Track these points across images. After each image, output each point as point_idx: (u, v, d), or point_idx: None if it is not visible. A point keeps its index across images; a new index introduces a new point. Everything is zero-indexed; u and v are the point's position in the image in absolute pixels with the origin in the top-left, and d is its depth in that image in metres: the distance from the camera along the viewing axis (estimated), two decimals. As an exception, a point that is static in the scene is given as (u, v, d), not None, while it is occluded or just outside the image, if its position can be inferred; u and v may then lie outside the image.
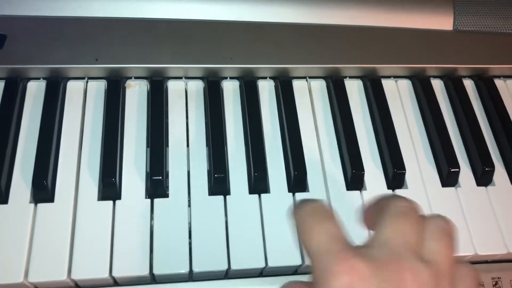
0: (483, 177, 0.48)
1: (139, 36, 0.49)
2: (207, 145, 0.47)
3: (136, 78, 0.49)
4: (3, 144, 0.43)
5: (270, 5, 0.52)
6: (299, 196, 0.45)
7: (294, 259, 0.41)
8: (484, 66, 0.54)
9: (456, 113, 0.52)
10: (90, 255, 0.40)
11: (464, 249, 0.44)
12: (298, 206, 0.37)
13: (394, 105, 0.52)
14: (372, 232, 0.34)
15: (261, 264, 0.41)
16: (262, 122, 0.48)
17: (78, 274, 0.39)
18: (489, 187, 0.48)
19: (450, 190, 0.47)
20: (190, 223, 0.42)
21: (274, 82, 0.52)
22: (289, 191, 0.45)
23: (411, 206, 0.35)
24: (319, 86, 0.52)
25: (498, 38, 0.55)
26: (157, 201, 0.43)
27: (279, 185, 0.45)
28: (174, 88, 0.50)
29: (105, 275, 0.39)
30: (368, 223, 0.39)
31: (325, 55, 0.51)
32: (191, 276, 0.41)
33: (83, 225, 0.41)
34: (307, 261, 0.41)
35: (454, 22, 0.55)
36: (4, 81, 0.47)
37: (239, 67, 0.50)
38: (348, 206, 0.45)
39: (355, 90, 0.52)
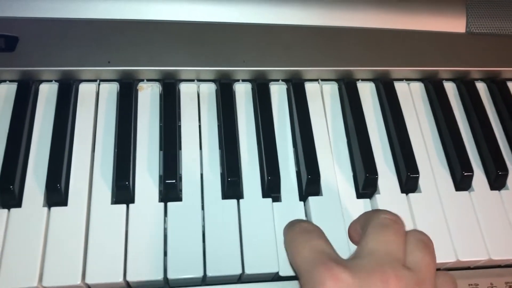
0: (497, 181, 0.48)
1: (151, 38, 0.49)
2: (220, 148, 0.47)
3: (148, 80, 0.49)
4: (16, 147, 0.43)
5: (283, 7, 0.52)
6: (313, 200, 0.44)
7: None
8: (497, 69, 0.54)
9: (469, 116, 0.52)
10: (104, 259, 0.40)
11: (478, 254, 0.44)
12: (287, 226, 0.39)
13: (406, 108, 0.51)
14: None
15: (275, 269, 0.41)
16: (274, 125, 0.48)
17: (92, 279, 0.39)
18: (502, 191, 0.48)
19: (463, 194, 0.47)
20: (203, 227, 0.42)
21: (286, 84, 0.51)
22: (300, 199, 0.45)
23: (394, 219, 0.37)
24: (331, 89, 0.52)
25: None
26: (170, 204, 0.43)
27: (291, 190, 0.45)
28: (187, 90, 0.50)
29: (119, 279, 0.39)
30: (354, 237, 0.40)
31: (337, 57, 0.51)
32: (204, 280, 0.41)
33: (97, 229, 0.41)
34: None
35: (467, 25, 0.55)
36: (16, 83, 0.47)
37: (252, 70, 0.50)
38: (361, 210, 0.45)
39: (367, 93, 0.52)
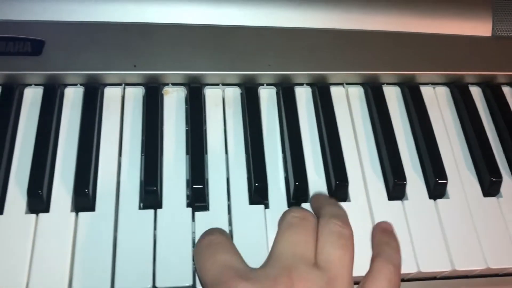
0: (527, 187, 0.47)
1: (177, 42, 0.48)
2: (246, 152, 0.46)
3: (173, 84, 0.49)
4: (43, 151, 0.43)
5: (307, 10, 0.51)
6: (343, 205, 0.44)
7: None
8: (524, 73, 0.53)
9: (496, 121, 0.52)
10: (132, 265, 0.39)
11: (508, 261, 0.44)
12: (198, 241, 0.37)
13: (432, 112, 0.51)
14: None
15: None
16: (301, 130, 0.47)
17: (122, 285, 0.39)
18: (531, 197, 0.47)
19: (491, 200, 0.47)
20: (231, 231, 0.42)
21: (311, 88, 0.51)
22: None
23: (301, 216, 0.36)
24: (357, 93, 0.51)
25: (538, 45, 0.54)
26: (197, 208, 0.43)
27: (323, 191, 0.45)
28: (212, 95, 0.49)
29: (148, 285, 0.39)
30: None
31: (362, 61, 0.51)
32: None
33: (125, 234, 0.41)
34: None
35: (492, 28, 0.54)
36: (42, 87, 0.47)
37: (277, 74, 0.49)
38: (390, 216, 0.44)
39: (393, 97, 0.52)
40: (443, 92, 0.53)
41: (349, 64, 0.50)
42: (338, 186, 0.44)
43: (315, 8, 0.52)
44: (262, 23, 0.51)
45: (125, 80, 0.48)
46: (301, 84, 0.51)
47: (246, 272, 0.33)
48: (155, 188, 0.42)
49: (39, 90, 0.47)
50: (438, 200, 0.46)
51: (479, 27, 0.54)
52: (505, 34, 0.54)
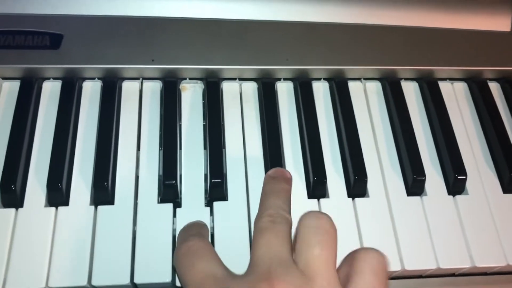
0: (547, 184, 0.47)
1: (195, 36, 0.48)
2: (263, 147, 0.46)
3: (190, 79, 0.49)
4: (62, 145, 0.43)
5: (326, 5, 0.51)
6: (359, 201, 0.44)
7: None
8: (543, 68, 0.53)
9: (515, 116, 0.51)
10: (152, 259, 0.39)
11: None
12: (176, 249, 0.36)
13: (450, 108, 0.50)
14: None
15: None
16: (318, 124, 0.47)
17: (142, 278, 0.39)
18: (551, 194, 0.47)
19: (511, 196, 0.46)
20: (249, 226, 0.42)
21: (329, 83, 0.51)
22: (349, 196, 0.44)
23: (272, 219, 0.34)
24: (375, 88, 0.51)
25: (558, 40, 0.54)
26: (216, 204, 0.43)
27: (338, 189, 0.45)
28: (229, 89, 0.49)
29: (168, 279, 0.39)
30: None
31: (380, 56, 0.50)
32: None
33: (144, 228, 0.41)
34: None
35: (512, 23, 0.54)
36: (60, 81, 0.47)
37: (294, 68, 0.49)
38: (409, 211, 0.44)
39: (411, 92, 0.51)
40: (461, 87, 0.53)
41: (367, 59, 0.50)
42: (357, 182, 0.44)
43: (333, 2, 0.51)
44: (280, 17, 0.50)
45: (143, 74, 0.48)
46: (319, 79, 0.51)
47: (226, 281, 0.32)
48: (174, 182, 0.42)
49: (58, 84, 0.47)
50: (457, 196, 0.45)
51: (498, 22, 0.53)
52: (525, 29, 0.53)
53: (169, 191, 0.42)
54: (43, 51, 0.46)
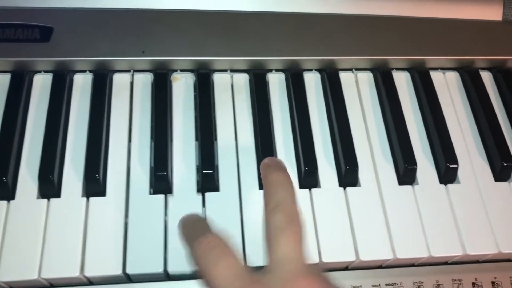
0: (538, 172, 0.47)
1: (185, 28, 0.48)
2: (255, 138, 0.46)
3: (181, 70, 0.49)
4: (53, 137, 0.43)
5: (316, -5, 0.51)
6: (351, 191, 0.44)
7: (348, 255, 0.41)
8: (535, 57, 0.53)
9: (507, 106, 0.51)
10: (144, 250, 0.39)
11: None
12: (194, 241, 0.35)
13: (442, 97, 0.50)
14: None
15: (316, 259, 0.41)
16: (310, 115, 0.47)
17: (133, 269, 0.39)
18: (543, 182, 0.47)
19: (503, 184, 0.46)
20: (241, 217, 0.42)
21: (320, 74, 0.51)
22: (340, 185, 0.44)
23: (294, 213, 0.35)
24: (366, 78, 0.51)
25: (550, 29, 0.54)
26: (208, 195, 0.43)
27: (330, 179, 0.45)
28: (220, 81, 0.49)
29: (160, 269, 0.39)
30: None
31: (372, 46, 0.50)
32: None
33: (136, 219, 0.41)
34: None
35: (503, 12, 0.53)
36: (51, 74, 0.47)
37: (286, 59, 0.49)
38: (400, 200, 0.44)
39: (403, 82, 0.51)
40: (453, 77, 0.53)
41: (358, 49, 0.50)
42: (348, 171, 0.44)
43: (324, -7, 0.51)
44: (272, 8, 0.50)
45: (134, 66, 0.48)
46: (310, 70, 0.51)
47: (256, 278, 0.33)
48: (165, 173, 0.42)
49: (49, 77, 0.47)
50: (449, 185, 0.46)
51: (490, 11, 0.53)
52: (516, 18, 0.53)
53: (161, 183, 0.42)
54: (33, 44, 0.46)
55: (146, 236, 0.40)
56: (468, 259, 0.44)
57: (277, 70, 0.50)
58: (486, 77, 0.53)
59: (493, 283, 0.43)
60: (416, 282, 0.42)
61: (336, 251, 0.41)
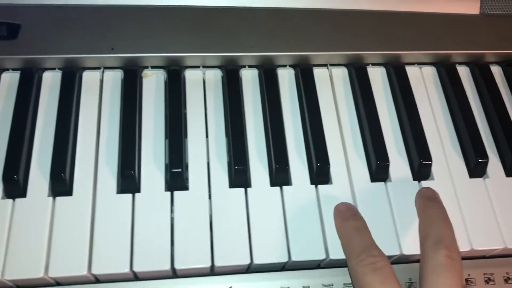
0: (513, 167, 0.46)
1: (156, 24, 0.48)
2: (227, 136, 0.45)
3: (152, 67, 0.48)
4: (19, 136, 0.42)
5: (290, -10, 0.50)
6: (322, 188, 0.43)
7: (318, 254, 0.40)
8: (513, 51, 0.52)
9: (484, 101, 0.51)
10: (110, 250, 0.39)
11: (493, 243, 0.43)
12: (356, 256, 0.37)
13: (418, 93, 0.50)
14: None
15: (285, 259, 0.40)
16: (282, 112, 0.47)
17: (99, 269, 0.38)
18: (519, 178, 0.46)
19: (478, 181, 0.46)
20: (210, 216, 0.42)
21: (294, 70, 0.50)
22: (312, 183, 0.44)
23: (453, 256, 0.36)
24: (341, 74, 0.50)
25: (528, 22, 0.53)
26: (177, 193, 0.42)
27: (302, 176, 0.44)
28: (192, 77, 0.48)
29: (126, 269, 0.39)
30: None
31: (346, 41, 0.50)
32: (212, 270, 0.41)
33: (103, 218, 0.40)
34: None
35: (480, 6, 0.53)
36: (19, 72, 0.46)
37: (259, 55, 0.48)
38: (372, 198, 0.44)
39: (378, 77, 0.51)
40: (430, 72, 0.52)
41: (332, 45, 0.49)
42: (319, 169, 0.43)
43: (298, -13, 0.51)
44: (244, 3, 0.50)
45: (104, 63, 0.47)
46: (284, 66, 0.50)
47: None
48: (132, 172, 0.41)
49: (16, 75, 0.46)
50: (423, 182, 0.45)
51: (467, 5, 0.53)
52: (494, 12, 0.53)
53: (128, 181, 0.41)
54: (0, 42, 0.45)
55: (113, 235, 0.40)
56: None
57: (250, 66, 0.50)
58: (463, 71, 0.52)
59: (467, 280, 0.43)
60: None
61: (305, 250, 0.41)
